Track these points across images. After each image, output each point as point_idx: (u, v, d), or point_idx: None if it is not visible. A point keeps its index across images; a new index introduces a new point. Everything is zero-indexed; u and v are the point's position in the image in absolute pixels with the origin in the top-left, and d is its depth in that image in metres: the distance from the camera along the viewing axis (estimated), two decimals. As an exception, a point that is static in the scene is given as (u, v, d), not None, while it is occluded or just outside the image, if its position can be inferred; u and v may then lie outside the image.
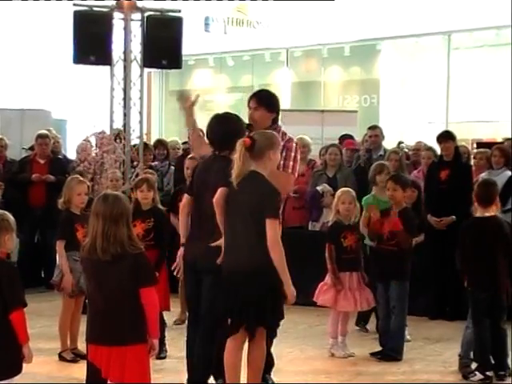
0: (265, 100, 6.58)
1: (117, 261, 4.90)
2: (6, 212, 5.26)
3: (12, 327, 4.98)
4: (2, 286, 4.96)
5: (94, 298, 5.06)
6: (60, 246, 7.55)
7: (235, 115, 6.42)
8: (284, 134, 6.63)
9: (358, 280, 7.83)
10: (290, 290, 5.58)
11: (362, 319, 8.74)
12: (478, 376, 6.93)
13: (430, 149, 10.37)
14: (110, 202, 5.00)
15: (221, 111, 6.76)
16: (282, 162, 6.35)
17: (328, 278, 7.84)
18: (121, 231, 4.94)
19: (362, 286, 7.84)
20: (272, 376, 6.66)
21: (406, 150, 11.46)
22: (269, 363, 6.42)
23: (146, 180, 7.92)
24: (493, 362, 6.97)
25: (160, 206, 7.94)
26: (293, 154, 6.52)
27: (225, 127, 6.21)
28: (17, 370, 5.07)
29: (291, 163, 6.49)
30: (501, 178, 9.33)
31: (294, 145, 6.57)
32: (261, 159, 5.66)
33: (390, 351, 7.67)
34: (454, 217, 9.24)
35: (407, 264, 7.76)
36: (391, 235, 7.69)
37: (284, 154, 6.40)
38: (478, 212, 7.12)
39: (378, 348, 7.78)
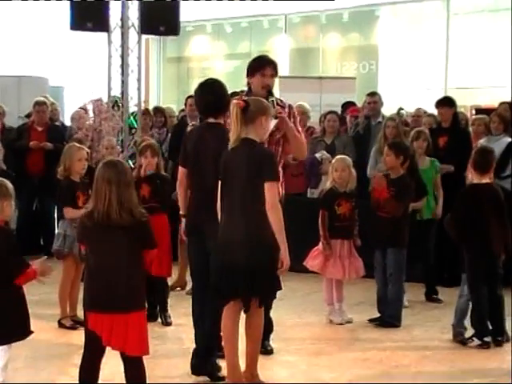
0: (277, 69, 6.67)
1: (127, 227, 4.88)
2: (4, 179, 5.26)
3: (16, 292, 5.05)
4: (2, 254, 4.98)
5: (97, 265, 4.97)
6: (68, 211, 7.49)
7: (220, 82, 6.34)
8: (281, 100, 6.71)
9: (349, 248, 7.84)
10: (286, 255, 5.47)
11: None
12: (476, 342, 6.97)
13: (431, 115, 10.34)
14: (120, 168, 4.98)
15: (219, 78, 6.75)
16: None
17: (321, 244, 7.86)
18: (133, 197, 4.95)
19: (352, 254, 7.85)
20: (271, 342, 6.70)
21: (406, 117, 11.42)
22: (268, 329, 6.45)
23: (149, 146, 7.93)
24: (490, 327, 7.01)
25: (163, 173, 7.99)
26: (298, 119, 6.80)
27: (213, 93, 6.14)
28: (26, 332, 5.15)
29: (300, 128, 6.74)
30: (500, 144, 9.32)
31: (295, 111, 6.80)
32: (253, 124, 5.59)
33: (389, 318, 7.70)
34: (452, 166, 9.24)
35: (403, 231, 7.75)
36: (383, 202, 7.71)
37: (292, 119, 6.62)
38: (475, 179, 7.12)
39: (377, 314, 7.82)
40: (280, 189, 6.51)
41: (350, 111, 11.44)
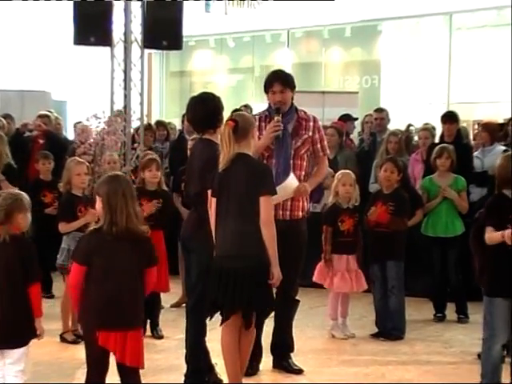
0: (288, 81, 6.59)
1: (138, 241, 4.88)
2: (22, 192, 5.30)
3: (28, 300, 5.09)
4: (24, 261, 5.05)
5: (109, 281, 4.85)
6: (63, 225, 7.53)
7: (212, 97, 6.19)
8: (305, 112, 6.70)
9: (353, 263, 7.83)
10: (277, 270, 5.49)
11: None
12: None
13: (426, 129, 10.30)
14: (127, 181, 5.03)
15: (221, 92, 6.74)
16: (318, 146, 6.59)
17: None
18: (139, 210, 4.97)
19: (357, 268, 7.85)
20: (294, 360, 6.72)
21: (414, 133, 11.40)
22: (290, 347, 6.62)
23: (155, 160, 7.97)
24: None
25: (165, 187, 8.04)
26: (323, 134, 6.75)
27: (203, 110, 6.05)
28: (29, 337, 5.21)
29: (325, 143, 6.72)
30: (494, 154, 9.22)
31: (320, 124, 6.75)
32: (245, 139, 5.62)
33: (394, 330, 7.71)
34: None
35: (402, 243, 7.83)
36: (386, 223, 7.72)
37: (317, 135, 6.60)
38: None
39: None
40: (305, 203, 6.58)
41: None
